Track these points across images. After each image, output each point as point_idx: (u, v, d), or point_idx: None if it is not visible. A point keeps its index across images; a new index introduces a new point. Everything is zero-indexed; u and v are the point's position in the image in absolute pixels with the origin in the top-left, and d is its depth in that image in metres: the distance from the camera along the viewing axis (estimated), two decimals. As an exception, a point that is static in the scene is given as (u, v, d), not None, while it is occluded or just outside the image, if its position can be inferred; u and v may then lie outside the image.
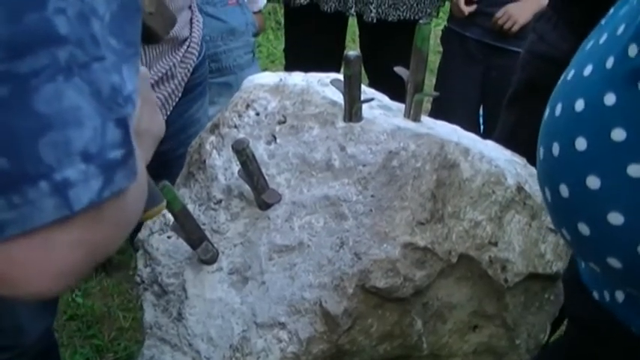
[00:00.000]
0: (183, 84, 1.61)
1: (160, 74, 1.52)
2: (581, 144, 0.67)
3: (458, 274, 1.11)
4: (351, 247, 1.06)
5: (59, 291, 0.54)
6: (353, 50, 1.15)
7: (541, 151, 0.75)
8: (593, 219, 0.67)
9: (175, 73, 1.57)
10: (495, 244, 1.11)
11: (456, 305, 1.12)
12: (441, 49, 3.02)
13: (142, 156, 0.73)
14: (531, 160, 0.97)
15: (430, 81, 3.17)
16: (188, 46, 1.62)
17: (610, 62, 0.65)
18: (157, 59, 1.51)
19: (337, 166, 1.13)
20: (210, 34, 2.50)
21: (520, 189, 1.15)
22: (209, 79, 2.47)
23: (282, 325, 1.06)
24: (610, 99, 0.64)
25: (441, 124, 1.27)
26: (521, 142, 1.26)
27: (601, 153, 0.65)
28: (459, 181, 1.10)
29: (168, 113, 1.59)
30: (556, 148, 0.71)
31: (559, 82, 0.76)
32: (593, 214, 0.67)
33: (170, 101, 1.58)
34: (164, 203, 0.84)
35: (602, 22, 0.74)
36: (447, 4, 2.88)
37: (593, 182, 0.66)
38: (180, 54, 1.59)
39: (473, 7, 2.72)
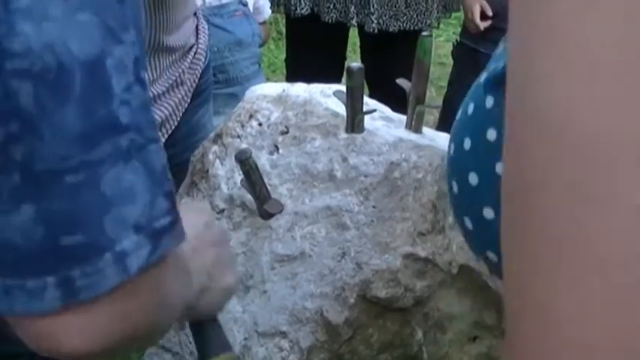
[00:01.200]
0: (192, 90, 1.63)
1: (170, 81, 1.53)
2: (467, 143, 0.72)
3: (458, 285, 1.11)
4: (353, 257, 1.07)
5: (93, 355, 0.60)
6: (355, 62, 1.16)
7: (449, 149, 0.79)
8: (474, 214, 0.71)
9: (184, 79, 1.59)
10: (496, 255, 1.12)
11: (456, 316, 1.13)
12: (441, 60, 3.03)
13: (210, 302, 0.83)
14: None
15: (430, 92, 3.18)
16: (195, 53, 1.63)
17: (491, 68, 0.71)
18: (169, 67, 1.53)
19: (339, 177, 1.14)
20: (218, 45, 2.51)
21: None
22: (216, 90, 2.48)
23: (284, 334, 1.07)
24: (489, 102, 0.69)
25: (442, 136, 1.27)
26: None
27: (479, 152, 0.70)
28: (459, 192, 1.11)
29: (179, 119, 1.60)
30: (451, 148, 0.77)
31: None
32: (473, 210, 0.71)
33: (180, 107, 1.60)
34: (232, 353, 0.88)
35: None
36: (449, 15, 2.89)
37: (473, 179, 0.70)
38: (189, 60, 1.60)
39: (488, 22, 2.72)
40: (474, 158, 0.71)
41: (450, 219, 1.10)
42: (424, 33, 1.14)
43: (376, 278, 1.05)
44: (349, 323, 1.05)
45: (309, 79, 1.35)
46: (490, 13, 2.71)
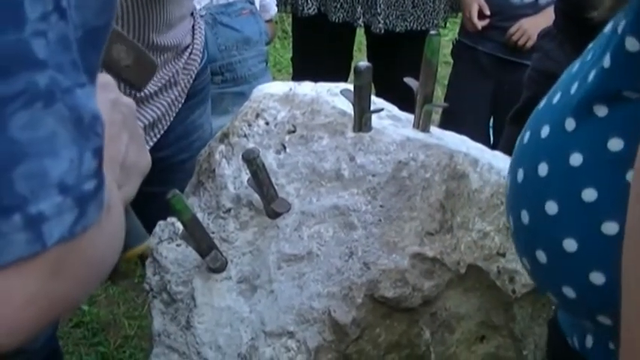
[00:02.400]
0: (186, 91, 1.62)
1: (162, 81, 1.53)
2: (543, 169, 0.67)
3: (466, 285, 1.11)
4: (360, 257, 1.07)
5: (13, 345, 0.51)
6: (362, 61, 1.16)
7: (509, 179, 0.74)
8: (549, 245, 0.66)
9: (178, 80, 1.58)
10: (503, 255, 1.11)
11: (464, 316, 1.13)
12: (447, 59, 3.03)
13: (128, 191, 0.72)
14: None
15: (436, 91, 3.18)
16: (190, 53, 1.63)
17: (570, 124, 0.65)
18: (161, 67, 1.52)
19: (346, 176, 1.14)
20: (225, 44, 2.51)
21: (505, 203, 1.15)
22: (224, 89, 2.48)
23: (291, 334, 1.07)
24: (576, 160, 0.64)
25: (449, 135, 1.27)
26: None
27: (559, 178, 0.65)
28: (467, 191, 1.11)
29: (171, 120, 1.60)
30: (520, 174, 0.71)
31: (516, 145, 0.75)
32: (550, 241, 0.66)
33: (174, 108, 1.59)
34: (148, 242, 0.83)
35: (559, 80, 0.75)
36: (455, 15, 2.89)
37: (551, 208, 0.65)
38: (183, 61, 1.60)
39: (486, 22, 2.72)
40: (552, 185, 0.66)
41: (459, 218, 1.09)
42: (432, 32, 1.14)
43: (384, 278, 1.05)
44: (357, 323, 1.05)
45: (315, 78, 1.35)
46: (488, 13, 2.72)
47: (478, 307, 1.13)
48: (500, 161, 1.22)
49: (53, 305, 0.50)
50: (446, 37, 3.87)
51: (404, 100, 1.34)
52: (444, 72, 3.23)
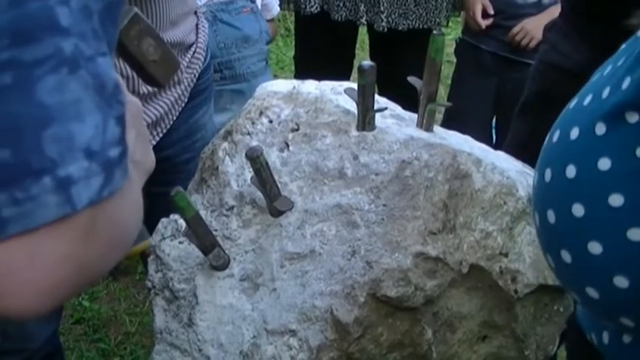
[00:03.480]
0: (189, 89, 1.62)
1: None
2: (571, 171, 0.67)
3: (468, 285, 1.11)
4: (363, 256, 1.07)
5: (41, 310, 0.51)
6: (364, 60, 1.16)
7: (536, 177, 0.74)
8: (574, 247, 0.67)
9: (182, 78, 1.58)
10: (506, 255, 1.11)
11: (466, 315, 1.12)
12: (450, 58, 3.02)
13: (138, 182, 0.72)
14: None
15: (440, 91, 3.18)
16: (194, 52, 1.62)
17: (601, 128, 0.65)
18: None
19: (350, 175, 1.14)
20: (225, 42, 2.51)
21: (531, 200, 1.15)
22: (222, 86, 2.48)
23: (293, 333, 1.07)
24: (601, 129, 0.64)
25: (453, 134, 1.27)
26: (534, 154, 1.26)
27: (587, 181, 0.65)
28: (470, 191, 1.11)
29: (175, 119, 1.59)
30: (548, 174, 0.70)
31: (545, 143, 0.75)
32: (575, 242, 0.67)
33: (176, 106, 1.59)
34: (149, 240, 0.83)
35: (589, 81, 0.74)
36: (458, 13, 2.89)
37: (577, 210, 0.65)
38: (187, 59, 1.60)
39: (489, 21, 2.72)
40: (580, 188, 0.66)
41: (461, 218, 1.09)
42: (435, 32, 1.13)
43: (386, 277, 1.05)
44: (359, 322, 1.05)
45: (318, 77, 1.35)
46: (492, 12, 2.71)
47: (480, 307, 1.13)
48: (504, 161, 1.22)
49: (83, 270, 0.50)
50: (449, 36, 3.86)
51: (406, 98, 1.33)
52: (447, 71, 3.23)
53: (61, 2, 0.48)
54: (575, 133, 0.67)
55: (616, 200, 0.61)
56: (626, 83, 0.63)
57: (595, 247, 0.63)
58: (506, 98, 2.73)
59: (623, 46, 0.70)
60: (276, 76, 3.71)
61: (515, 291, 1.12)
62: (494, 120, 2.94)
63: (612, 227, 0.61)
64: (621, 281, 0.62)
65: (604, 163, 0.62)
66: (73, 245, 0.49)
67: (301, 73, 2.79)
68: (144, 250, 0.86)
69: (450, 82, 3.05)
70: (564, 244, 0.67)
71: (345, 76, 2.82)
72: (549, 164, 0.70)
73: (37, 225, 0.46)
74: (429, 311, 1.09)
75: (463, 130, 1.35)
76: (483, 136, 2.44)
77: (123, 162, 0.52)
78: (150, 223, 1.02)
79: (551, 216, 0.69)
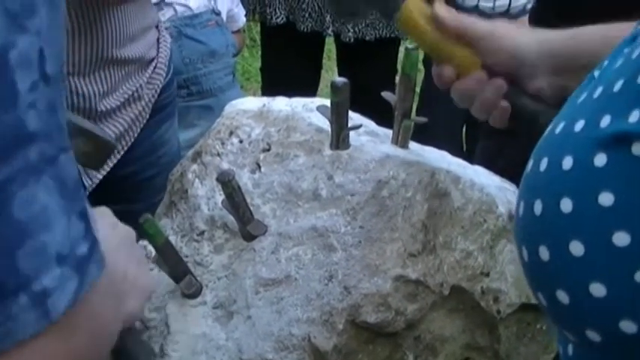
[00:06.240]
0: (150, 105, 1.58)
1: (126, 96, 1.49)
2: (566, 205, 0.62)
3: (450, 307, 1.08)
4: (341, 281, 1.03)
5: None
6: (331, 70, 1.13)
7: (521, 206, 0.69)
8: (573, 288, 0.62)
9: (142, 94, 1.54)
10: (487, 275, 1.09)
11: (448, 338, 1.09)
12: (420, 67, 3.01)
13: (129, 307, 0.77)
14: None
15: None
16: (155, 67, 1.58)
17: (605, 122, 0.61)
18: (123, 81, 1.48)
19: (325, 196, 1.10)
20: (190, 57, 2.47)
21: (511, 217, 1.12)
22: (189, 102, 2.44)
23: (270, 362, 1.03)
24: (601, 160, 0.59)
25: (429, 150, 1.24)
26: (501, 171, 1.25)
27: (586, 217, 0.60)
28: (450, 210, 1.08)
29: (136, 135, 1.55)
30: (538, 207, 0.65)
31: (545, 133, 0.71)
32: (572, 283, 0.62)
33: (138, 123, 1.55)
34: None
35: (595, 73, 0.70)
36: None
37: (576, 248, 0.60)
38: (147, 75, 1.56)
39: None
40: (578, 224, 0.60)
41: (441, 238, 1.06)
42: (409, 46, 1.11)
43: (365, 302, 1.01)
44: (338, 350, 1.01)
45: (284, 88, 1.32)
46: None
47: (462, 329, 1.10)
48: (482, 177, 1.19)
49: None
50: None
51: (377, 111, 1.30)
52: (417, 79, 3.20)
53: (28, 106, 0.46)
54: (568, 162, 0.63)
55: (621, 239, 0.56)
56: (635, 117, 0.58)
57: (598, 289, 0.58)
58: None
59: (616, 65, 0.66)
60: (242, 87, 3.67)
61: (498, 311, 1.09)
62: (464, 128, 2.93)
63: (617, 268, 0.57)
64: (629, 326, 0.58)
65: (606, 198, 0.58)
66: (58, 346, 0.50)
67: (268, 85, 2.77)
68: None
69: (419, 90, 3.04)
70: (561, 284, 0.63)
71: (313, 87, 2.80)
72: (538, 195, 0.65)
73: (17, 342, 0.47)
74: (410, 336, 1.06)
75: (433, 140, 1.32)
76: (454, 144, 2.43)
77: (94, 255, 0.51)
78: None
79: (543, 253, 0.64)
